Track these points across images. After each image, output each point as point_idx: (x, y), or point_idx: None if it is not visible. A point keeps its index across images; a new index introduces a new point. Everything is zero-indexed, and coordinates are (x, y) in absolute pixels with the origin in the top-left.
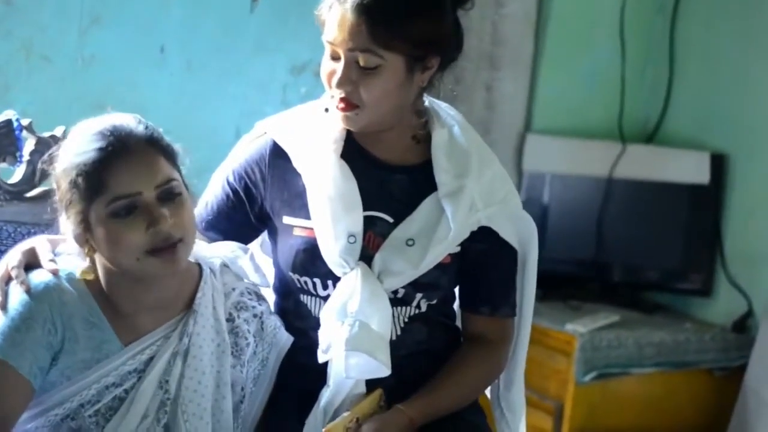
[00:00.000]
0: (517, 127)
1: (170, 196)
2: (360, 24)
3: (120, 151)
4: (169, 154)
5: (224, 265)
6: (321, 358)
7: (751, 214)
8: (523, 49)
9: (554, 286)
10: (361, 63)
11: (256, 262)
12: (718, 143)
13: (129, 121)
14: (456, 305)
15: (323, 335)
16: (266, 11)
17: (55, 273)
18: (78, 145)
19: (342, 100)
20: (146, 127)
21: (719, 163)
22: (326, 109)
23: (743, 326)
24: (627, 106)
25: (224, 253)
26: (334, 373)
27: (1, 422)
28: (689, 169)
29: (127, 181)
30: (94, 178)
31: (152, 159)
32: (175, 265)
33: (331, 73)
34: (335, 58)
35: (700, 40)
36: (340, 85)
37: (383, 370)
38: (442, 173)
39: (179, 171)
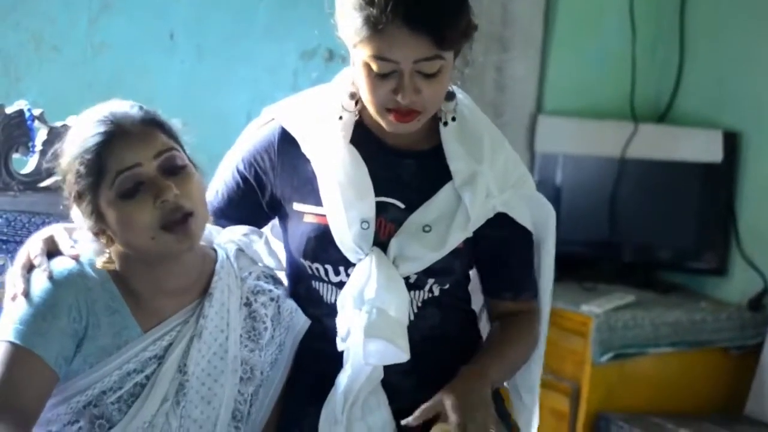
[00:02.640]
0: (529, 109)
1: (173, 169)
2: (422, 34)
3: (116, 131)
4: (167, 130)
5: (239, 250)
6: (340, 346)
7: (764, 192)
8: (533, 30)
9: (568, 268)
10: (427, 70)
11: (270, 246)
12: (731, 121)
13: (124, 105)
14: (470, 287)
15: (341, 323)
16: None
17: (76, 259)
18: (78, 137)
19: (404, 111)
20: (140, 108)
21: (732, 141)
22: (340, 117)
23: (759, 304)
24: (638, 86)
25: (239, 238)
26: (352, 359)
27: (29, 414)
28: (702, 147)
29: (125, 156)
30: (96, 163)
31: (149, 133)
32: (189, 240)
33: (381, 90)
34: (386, 74)
35: (710, 18)
36: (407, 98)
37: (402, 356)
38: (455, 161)
39: (181, 146)
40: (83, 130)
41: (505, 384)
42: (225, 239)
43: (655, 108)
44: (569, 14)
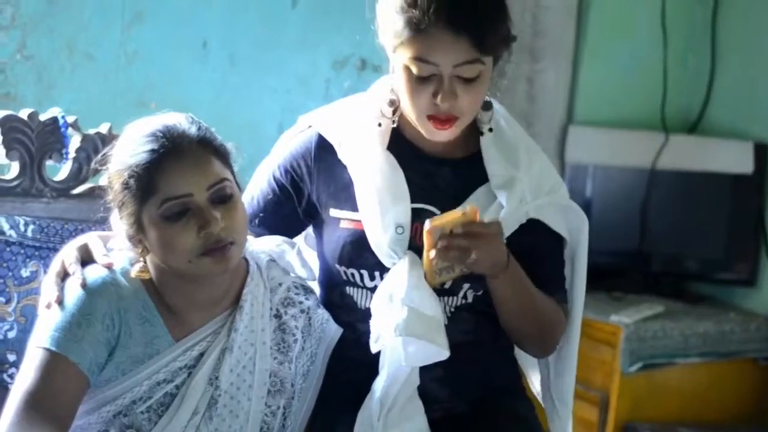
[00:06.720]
0: (559, 119)
1: (222, 198)
2: (463, 37)
3: (171, 152)
4: (221, 154)
5: (271, 260)
6: (373, 348)
7: None
8: (564, 41)
9: (598, 278)
10: (467, 75)
11: (302, 257)
12: (762, 132)
13: (181, 121)
14: None
15: (374, 325)
16: (308, 5)
17: (110, 267)
18: (130, 146)
19: (443, 118)
20: (198, 128)
21: (763, 153)
22: (379, 124)
23: None
24: (669, 97)
25: (271, 248)
26: (388, 363)
27: (64, 419)
28: (732, 158)
29: (178, 183)
30: (146, 180)
31: (204, 160)
32: (226, 265)
33: (422, 95)
34: (425, 77)
35: (741, 29)
36: (446, 102)
37: (442, 353)
38: (493, 165)
39: (232, 170)
40: (136, 142)
41: (538, 396)
42: (257, 249)
43: (685, 119)
44: (600, 25)
